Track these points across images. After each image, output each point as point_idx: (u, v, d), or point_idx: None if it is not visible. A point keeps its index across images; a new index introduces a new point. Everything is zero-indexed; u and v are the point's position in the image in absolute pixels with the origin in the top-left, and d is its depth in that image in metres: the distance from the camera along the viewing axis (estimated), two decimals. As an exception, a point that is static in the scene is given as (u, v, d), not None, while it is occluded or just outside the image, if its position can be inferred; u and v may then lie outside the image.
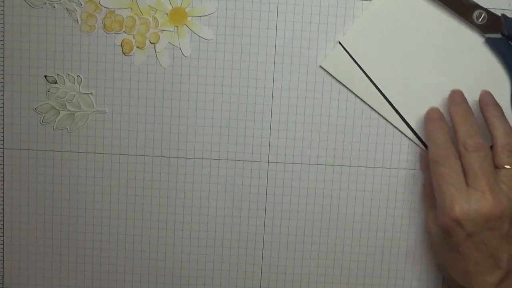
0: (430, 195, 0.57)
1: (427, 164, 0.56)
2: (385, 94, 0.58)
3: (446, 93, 0.58)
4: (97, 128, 0.59)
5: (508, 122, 0.55)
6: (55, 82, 0.58)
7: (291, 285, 0.61)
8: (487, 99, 0.56)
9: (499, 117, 0.55)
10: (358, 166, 0.59)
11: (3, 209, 0.60)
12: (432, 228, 0.56)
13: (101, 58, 0.58)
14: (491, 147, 0.54)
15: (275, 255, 0.61)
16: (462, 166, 0.53)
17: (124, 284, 0.61)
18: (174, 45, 0.58)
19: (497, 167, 0.53)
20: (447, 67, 0.58)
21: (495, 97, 0.58)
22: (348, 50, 0.58)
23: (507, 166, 0.52)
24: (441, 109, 0.58)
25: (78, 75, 0.58)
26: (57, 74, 0.58)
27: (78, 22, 0.57)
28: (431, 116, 0.56)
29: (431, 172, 0.54)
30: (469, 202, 0.51)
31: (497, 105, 0.55)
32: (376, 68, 0.58)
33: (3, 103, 0.58)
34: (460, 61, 0.58)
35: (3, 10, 0.57)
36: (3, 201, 0.59)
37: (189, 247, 0.61)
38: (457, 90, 0.57)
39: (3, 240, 0.60)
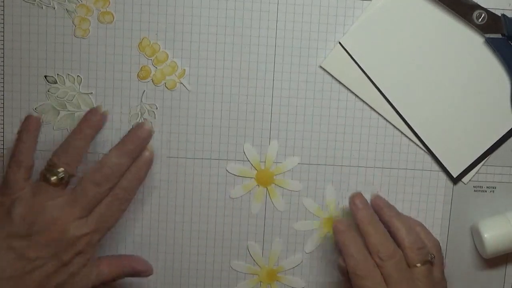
0: None
1: (346, 274, 0.55)
2: (385, 94, 0.58)
3: (446, 93, 0.58)
4: (97, 128, 0.59)
5: (405, 218, 0.56)
6: (55, 82, 0.58)
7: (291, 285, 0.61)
8: (379, 203, 0.57)
9: (396, 216, 0.56)
10: (358, 166, 0.59)
11: (3, 209, 0.60)
12: None
13: (101, 58, 0.58)
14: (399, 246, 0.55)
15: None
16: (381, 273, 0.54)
17: (123, 283, 0.61)
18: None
19: (409, 266, 0.54)
20: (447, 67, 0.58)
21: (495, 97, 0.58)
22: (348, 50, 0.58)
23: (418, 264, 0.54)
24: (441, 109, 0.58)
25: (78, 75, 0.58)
26: (57, 74, 0.58)
27: (76, 26, 0.57)
28: (340, 228, 0.55)
29: (352, 285, 0.54)
30: None
31: (390, 205, 0.57)
32: (376, 68, 0.58)
33: (3, 103, 0.58)
34: (460, 61, 0.58)
35: (3, 10, 0.57)
36: (3, 201, 0.59)
37: (189, 247, 0.61)
38: (357, 194, 0.57)
39: (3, 240, 0.60)
